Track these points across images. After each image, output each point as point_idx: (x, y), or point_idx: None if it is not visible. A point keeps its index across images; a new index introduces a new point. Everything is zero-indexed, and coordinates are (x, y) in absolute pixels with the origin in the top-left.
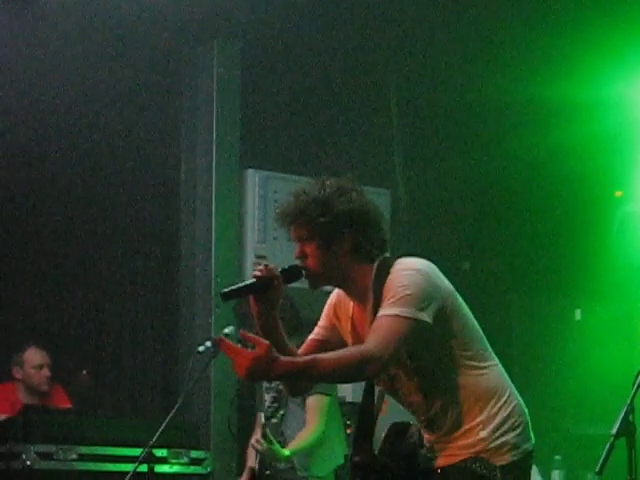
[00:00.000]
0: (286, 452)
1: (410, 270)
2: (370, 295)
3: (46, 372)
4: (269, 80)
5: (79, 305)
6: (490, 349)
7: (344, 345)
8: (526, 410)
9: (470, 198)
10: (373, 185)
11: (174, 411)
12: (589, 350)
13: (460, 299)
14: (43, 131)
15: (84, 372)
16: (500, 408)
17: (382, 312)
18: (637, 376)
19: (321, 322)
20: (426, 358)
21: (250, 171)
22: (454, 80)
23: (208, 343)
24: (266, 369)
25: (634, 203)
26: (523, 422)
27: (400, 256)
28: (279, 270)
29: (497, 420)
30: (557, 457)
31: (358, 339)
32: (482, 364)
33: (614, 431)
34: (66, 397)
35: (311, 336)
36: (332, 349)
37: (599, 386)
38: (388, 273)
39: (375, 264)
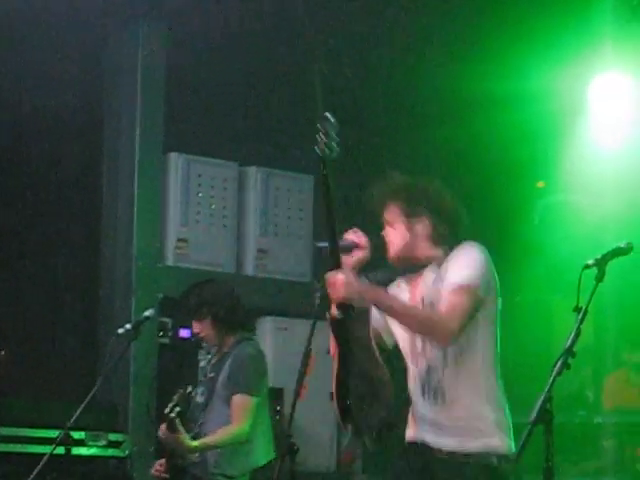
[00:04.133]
0: (194, 443)
1: (474, 249)
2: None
3: None
4: (194, 63)
5: None
6: None
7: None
8: None
9: None
10: (297, 171)
11: (92, 393)
12: (508, 340)
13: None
14: None
15: (1, 352)
16: (502, 407)
17: (451, 282)
18: (555, 365)
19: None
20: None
21: (173, 154)
22: (378, 69)
23: (128, 325)
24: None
25: (556, 194)
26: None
27: None
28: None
29: (502, 416)
30: None
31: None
32: (494, 367)
33: (532, 419)
34: None
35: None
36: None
37: (517, 376)
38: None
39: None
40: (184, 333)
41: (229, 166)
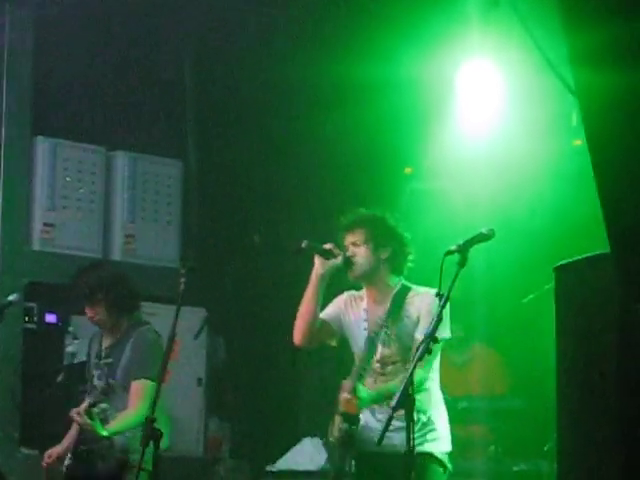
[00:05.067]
0: (104, 432)
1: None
2: (388, 301)
3: None
4: (62, 47)
5: None
6: None
7: (335, 328)
8: None
9: (261, 173)
10: (165, 155)
11: None
12: None
13: None
14: None
15: None
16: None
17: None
18: (416, 352)
19: (329, 309)
20: None
21: (40, 138)
22: (248, 56)
23: None
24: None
25: (423, 180)
26: None
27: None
28: (342, 253)
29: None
30: None
31: (369, 322)
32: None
33: (393, 404)
34: None
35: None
36: (328, 329)
37: None
38: (406, 293)
39: (399, 283)
40: (50, 318)
41: (96, 150)
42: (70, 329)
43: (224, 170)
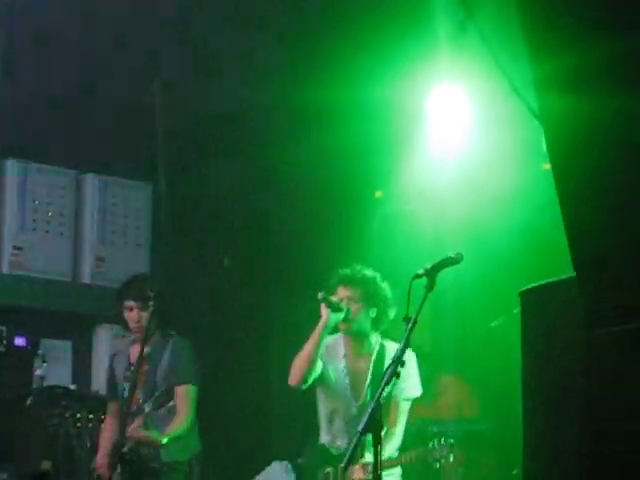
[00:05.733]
0: (163, 440)
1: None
2: (368, 356)
3: None
4: (29, 68)
5: None
6: None
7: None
8: None
9: (232, 196)
10: (135, 178)
11: None
12: None
13: None
14: None
15: None
16: None
17: (404, 395)
18: (384, 374)
19: None
20: None
21: (10, 161)
22: (220, 79)
23: None
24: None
25: (393, 203)
26: None
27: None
28: (345, 309)
29: None
30: None
31: (350, 370)
32: None
33: (361, 427)
34: None
35: None
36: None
37: None
38: (384, 352)
39: (377, 342)
40: (19, 341)
41: (66, 173)
42: (39, 352)
43: (194, 193)
